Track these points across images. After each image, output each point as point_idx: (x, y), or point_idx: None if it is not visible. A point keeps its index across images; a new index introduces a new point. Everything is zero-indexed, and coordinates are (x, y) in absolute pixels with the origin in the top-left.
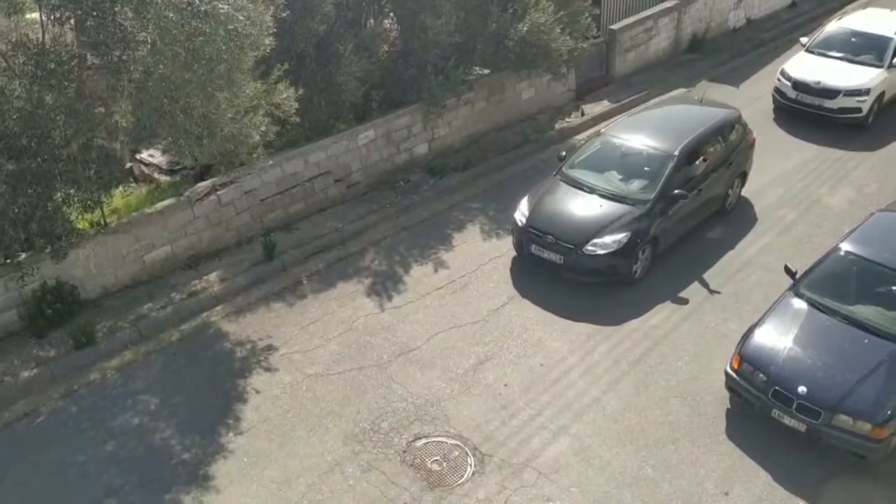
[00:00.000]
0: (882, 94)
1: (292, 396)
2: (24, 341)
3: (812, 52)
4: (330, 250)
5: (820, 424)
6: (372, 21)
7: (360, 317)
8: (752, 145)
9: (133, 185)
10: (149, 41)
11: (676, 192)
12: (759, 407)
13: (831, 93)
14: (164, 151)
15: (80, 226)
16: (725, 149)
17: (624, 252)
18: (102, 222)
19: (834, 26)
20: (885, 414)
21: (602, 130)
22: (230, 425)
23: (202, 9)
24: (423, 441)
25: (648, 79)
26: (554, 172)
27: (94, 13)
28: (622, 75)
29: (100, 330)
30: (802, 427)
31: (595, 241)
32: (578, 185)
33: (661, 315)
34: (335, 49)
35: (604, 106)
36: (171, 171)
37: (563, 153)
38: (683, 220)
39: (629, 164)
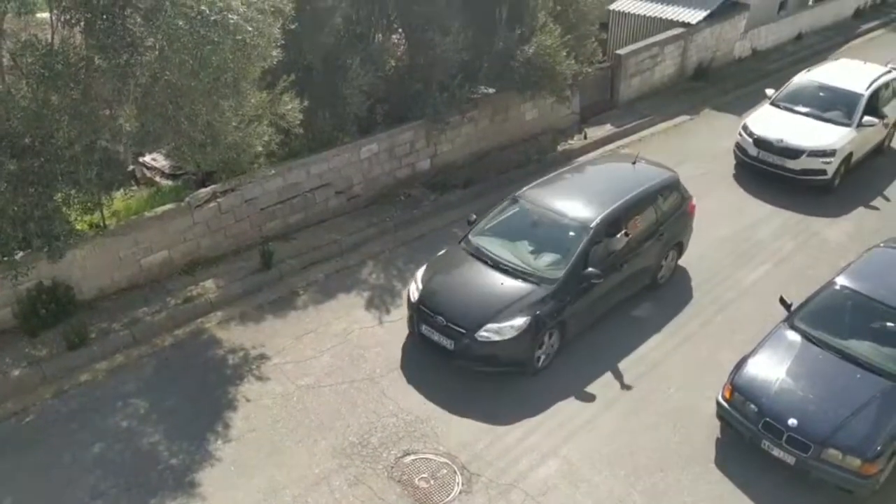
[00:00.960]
0: (850, 156)
1: (282, 407)
2: (17, 340)
3: (777, 106)
4: (328, 262)
5: (809, 458)
6: (380, 36)
7: (354, 329)
8: (690, 213)
9: (135, 187)
10: (157, 47)
11: (590, 270)
12: (750, 437)
13: (794, 152)
14: (167, 156)
15: (79, 227)
16: (658, 218)
17: (523, 340)
18: (102, 224)
19: (802, 78)
20: (875, 450)
21: (517, 194)
22: (219, 433)
23: (212, 18)
24: (412, 458)
25: (653, 104)
26: (459, 239)
27: (105, 16)
28: (626, 100)
29: (93, 331)
30: (792, 460)
31: (490, 326)
32: (481, 257)
33: (564, 414)
34: (342, 62)
35: (607, 130)
36: (173, 176)
37: (473, 216)
38: (602, 299)
39: (541, 235)
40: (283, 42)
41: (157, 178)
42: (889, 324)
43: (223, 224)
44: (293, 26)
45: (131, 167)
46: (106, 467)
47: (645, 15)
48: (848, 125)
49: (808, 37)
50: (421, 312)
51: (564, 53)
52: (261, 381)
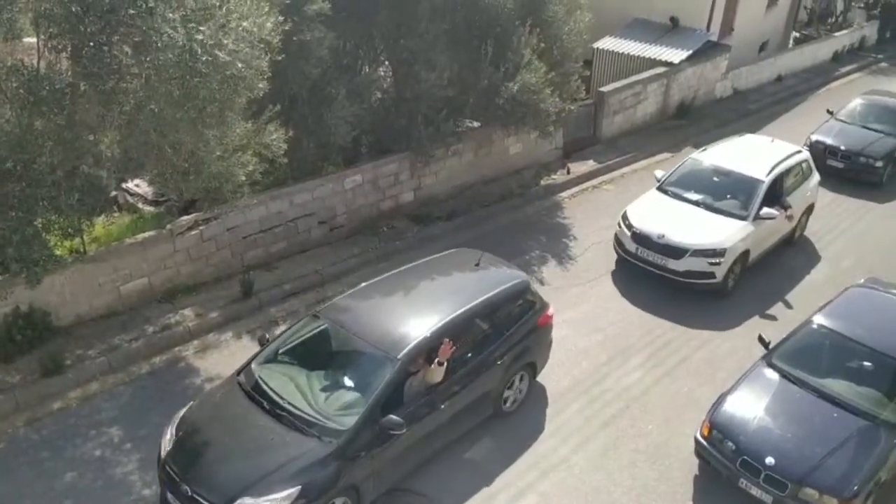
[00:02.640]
0: (746, 254)
1: None
2: None
3: (665, 192)
4: (308, 292)
5: (786, 497)
6: (367, 68)
7: None
8: (544, 325)
9: (117, 213)
10: (143, 76)
11: (390, 419)
12: (727, 476)
13: (676, 251)
14: (150, 182)
15: (58, 252)
16: (497, 336)
17: None
18: (82, 250)
19: (696, 158)
20: (852, 490)
21: (322, 308)
22: None
23: (203, 58)
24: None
25: (635, 141)
26: (239, 368)
27: (92, 43)
28: (609, 137)
29: (69, 358)
30: (769, 499)
31: (245, 499)
32: (258, 398)
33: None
34: (328, 93)
35: (589, 165)
36: (155, 202)
37: (267, 336)
38: (421, 443)
39: (341, 367)
40: (269, 73)
41: (140, 205)
42: (865, 363)
43: (204, 252)
44: (280, 58)
45: (114, 193)
46: (77, 497)
47: (628, 54)
48: (743, 218)
49: (787, 78)
50: (168, 475)
51: (548, 90)
52: None
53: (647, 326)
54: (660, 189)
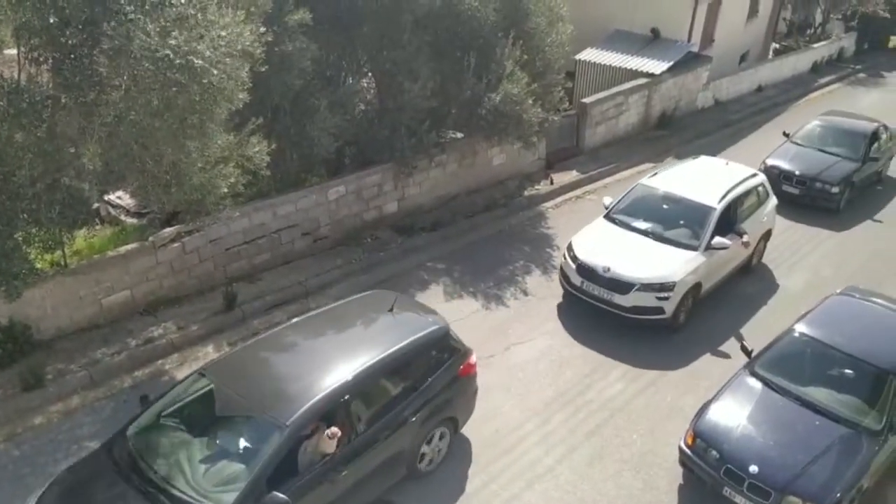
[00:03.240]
0: (698, 287)
1: None
2: None
3: (613, 221)
4: (292, 303)
5: None
6: (350, 79)
7: None
8: (465, 375)
9: (98, 226)
10: (122, 87)
11: (273, 497)
12: (712, 484)
13: (623, 285)
14: (132, 195)
15: (39, 265)
16: (411, 389)
17: None
18: (63, 263)
19: (646, 184)
20: (834, 497)
21: (208, 365)
22: None
23: (177, 62)
24: None
25: (617, 152)
26: (108, 442)
27: (72, 55)
28: (592, 147)
29: (50, 372)
30: None
31: None
32: (131, 475)
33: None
34: (311, 104)
35: (572, 176)
36: (138, 214)
37: (150, 396)
38: None
39: (224, 434)
40: (251, 84)
41: (122, 217)
42: (846, 370)
43: (187, 264)
44: (263, 69)
45: (96, 205)
46: None
47: (610, 65)
48: (694, 248)
49: (768, 89)
50: None
51: (531, 101)
52: None
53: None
54: (607, 217)
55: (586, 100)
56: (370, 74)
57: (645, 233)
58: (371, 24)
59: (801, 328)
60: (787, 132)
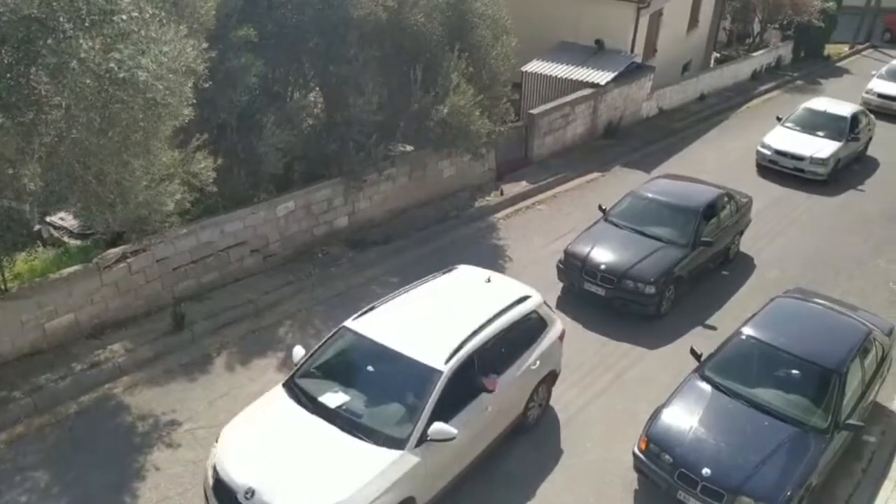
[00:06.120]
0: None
1: (194, 475)
2: None
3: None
4: (243, 322)
5: None
6: (297, 94)
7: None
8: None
9: (40, 248)
10: (63, 105)
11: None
12: (666, 489)
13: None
14: (75, 216)
15: None
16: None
17: None
18: (3, 287)
19: (349, 326)
20: (786, 496)
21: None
22: None
23: (120, 76)
24: None
25: (566, 162)
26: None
27: (9, 75)
28: (540, 157)
29: None
30: None
31: None
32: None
33: None
34: (257, 120)
35: (522, 186)
36: (82, 236)
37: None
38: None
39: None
40: (196, 100)
41: (65, 238)
42: (792, 371)
43: (133, 285)
44: (207, 85)
45: (37, 227)
46: None
47: (556, 76)
48: (399, 445)
49: (710, 97)
50: None
51: (478, 113)
52: (171, 448)
53: (585, 342)
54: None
55: (534, 111)
56: (317, 89)
57: (329, 419)
58: (317, 40)
59: (747, 331)
60: (602, 206)
